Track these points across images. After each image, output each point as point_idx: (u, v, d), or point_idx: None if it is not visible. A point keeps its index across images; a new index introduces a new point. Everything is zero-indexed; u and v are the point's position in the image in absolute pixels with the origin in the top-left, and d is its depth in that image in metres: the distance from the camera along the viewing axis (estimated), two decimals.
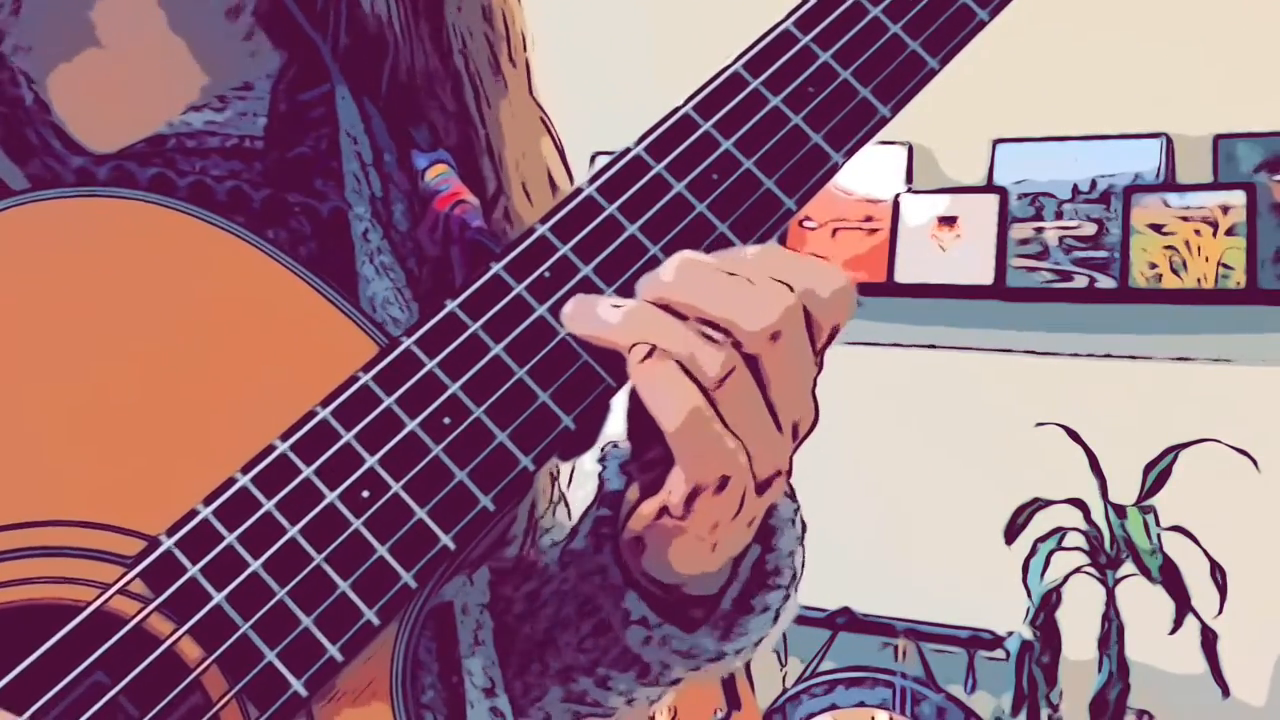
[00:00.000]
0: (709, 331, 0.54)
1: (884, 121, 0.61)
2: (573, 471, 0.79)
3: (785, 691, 2.35)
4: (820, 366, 0.57)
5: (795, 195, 0.59)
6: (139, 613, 0.51)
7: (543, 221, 0.58)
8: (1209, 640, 2.04)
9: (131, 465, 0.54)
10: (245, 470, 0.53)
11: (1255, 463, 2.05)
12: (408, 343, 0.55)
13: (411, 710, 0.54)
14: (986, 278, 2.46)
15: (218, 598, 0.52)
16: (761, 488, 0.57)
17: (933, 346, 2.53)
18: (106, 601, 0.51)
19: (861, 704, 2.29)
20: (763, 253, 0.56)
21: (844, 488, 2.52)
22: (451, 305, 0.56)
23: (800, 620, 2.43)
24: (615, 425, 0.62)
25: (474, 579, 0.69)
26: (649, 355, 0.53)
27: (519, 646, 0.72)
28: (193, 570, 0.52)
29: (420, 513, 0.53)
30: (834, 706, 2.31)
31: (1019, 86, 2.46)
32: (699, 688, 2.35)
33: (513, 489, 0.55)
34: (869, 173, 2.62)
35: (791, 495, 0.67)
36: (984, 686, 2.31)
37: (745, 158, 0.59)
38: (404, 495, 0.54)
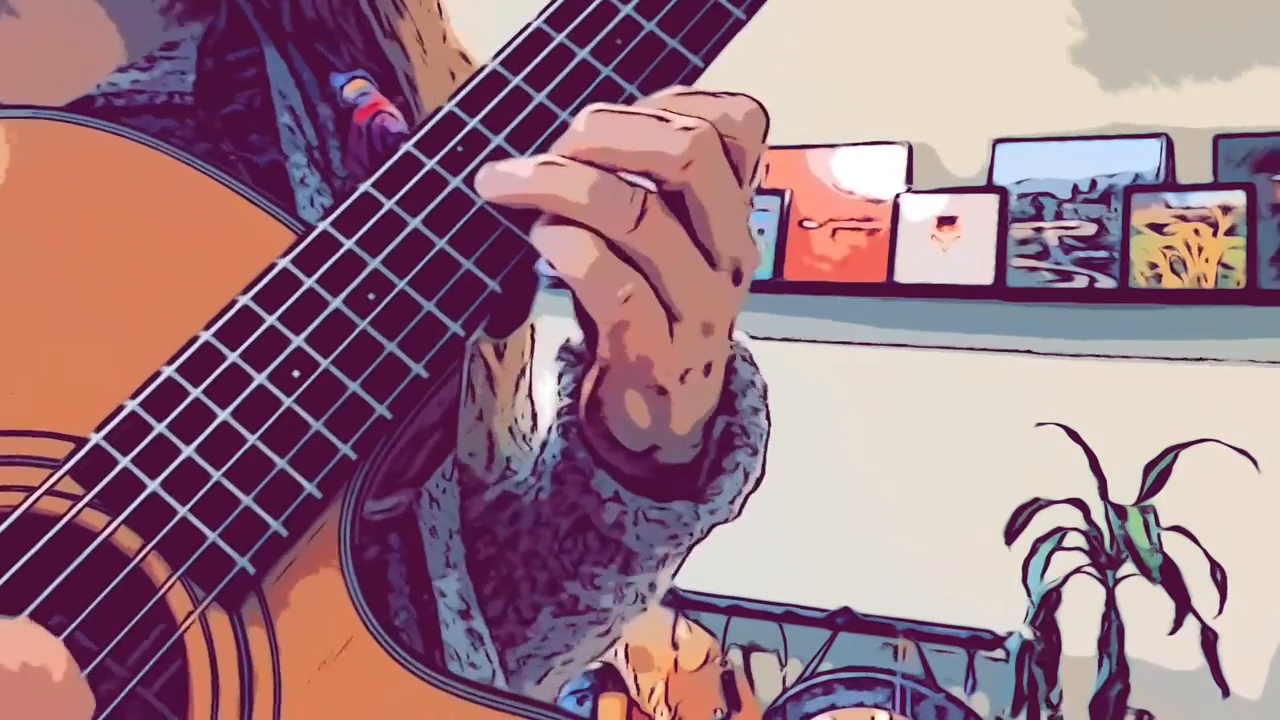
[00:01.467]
0: (626, 176, 0.54)
1: None
2: (532, 400, 0.80)
3: (785, 691, 2.35)
4: (751, 204, 0.57)
5: (700, 52, 0.59)
6: (70, 509, 0.50)
7: (450, 99, 0.58)
8: (1209, 640, 2.04)
9: (58, 371, 0.53)
10: (170, 362, 0.53)
11: (1255, 463, 2.05)
12: (323, 225, 0.55)
13: (361, 582, 0.53)
14: (986, 278, 2.46)
15: (152, 485, 0.51)
16: (707, 329, 0.57)
17: (933, 347, 2.53)
18: (35, 503, 0.50)
19: (861, 704, 2.29)
20: (669, 96, 0.57)
21: (844, 488, 2.52)
22: (365, 186, 0.56)
23: (800, 620, 2.44)
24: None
25: (440, 501, 0.69)
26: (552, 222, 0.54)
27: (507, 574, 0.72)
28: (124, 461, 0.51)
29: (353, 385, 0.53)
30: (834, 706, 2.31)
31: (1019, 86, 2.46)
32: (699, 688, 2.35)
33: (444, 355, 0.55)
34: (869, 173, 2.62)
35: (749, 360, 0.67)
36: (984, 686, 2.31)
37: (646, 20, 0.59)
38: (334, 370, 0.53)
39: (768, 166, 2.92)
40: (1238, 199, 2.29)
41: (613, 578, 0.69)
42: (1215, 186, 2.33)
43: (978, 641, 2.31)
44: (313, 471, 0.52)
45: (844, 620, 2.38)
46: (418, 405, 0.55)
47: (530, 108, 0.57)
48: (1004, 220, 2.46)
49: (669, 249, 0.54)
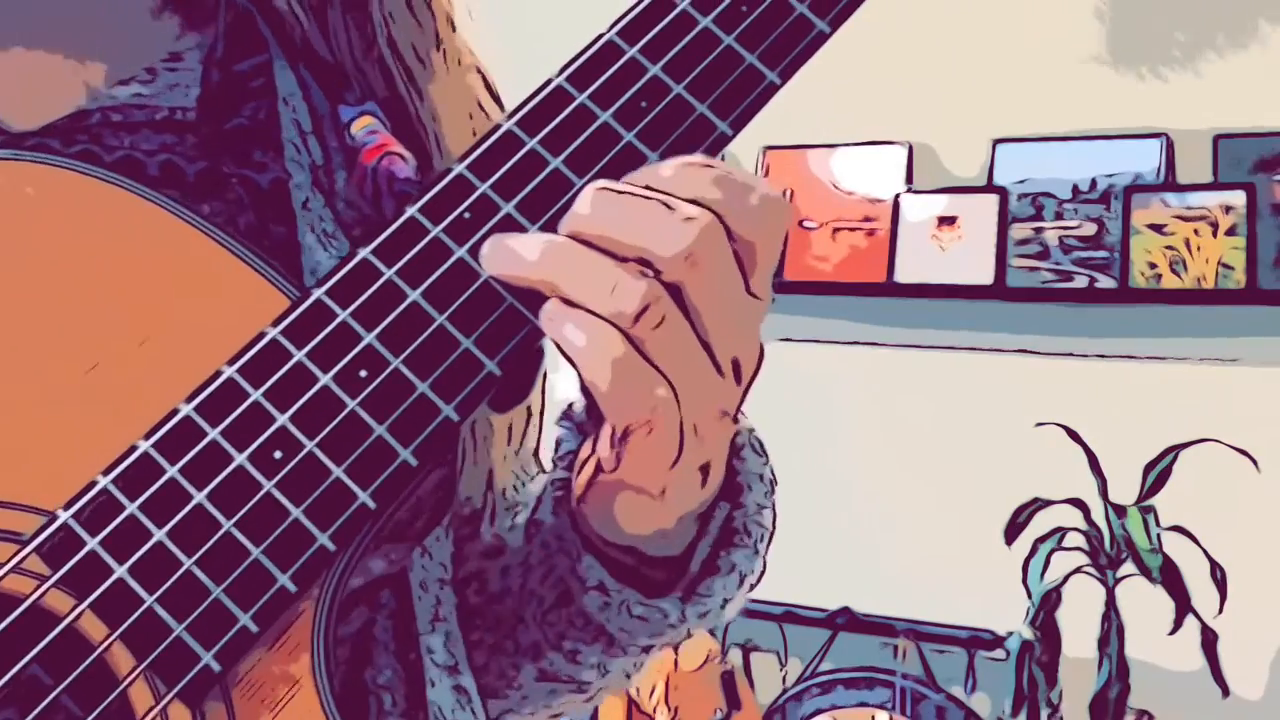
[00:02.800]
0: (632, 265, 0.50)
1: (823, 38, 0.57)
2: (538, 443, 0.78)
3: (785, 691, 2.35)
4: (765, 299, 0.53)
5: (729, 118, 0.55)
6: (35, 590, 0.48)
7: (460, 160, 0.54)
8: (1209, 640, 2.04)
9: (32, 437, 0.51)
10: (148, 436, 0.50)
11: (1255, 463, 2.05)
12: (318, 293, 0.52)
13: (334, 684, 0.51)
14: (986, 278, 2.46)
15: (119, 570, 0.49)
16: (703, 430, 0.53)
17: (933, 347, 2.53)
18: None
19: (861, 704, 2.29)
20: (681, 169, 0.52)
21: (844, 488, 2.52)
22: (364, 252, 0.53)
23: (800, 620, 2.43)
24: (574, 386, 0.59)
25: (432, 552, 0.67)
26: (561, 303, 0.50)
27: (492, 626, 0.70)
28: (92, 543, 0.49)
29: (337, 471, 0.50)
30: (834, 706, 2.31)
31: (1019, 86, 2.46)
32: (699, 688, 2.35)
33: (436, 441, 0.51)
34: (869, 173, 2.62)
35: (760, 450, 0.63)
36: (984, 686, 2.31)
37: (675, 82, 0.55)
38: (318, 453, 0.50)
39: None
40: (1238, 199, 2.29)
41: (595, 655, 0.66)
42: (1215, 186, 2.33)
43: (978, 641, 2.31)
44: (288, 562, 0.49)
45: (844, 620, 2.38)
46: (405, 493, 0.52)
47: (545, 174, 0.54)
48: (1004, 220, 2.46)
49: (676, 347, 0.51)
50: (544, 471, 0.79)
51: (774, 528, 0.64)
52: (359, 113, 0.65)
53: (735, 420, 0.56)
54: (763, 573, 0.64)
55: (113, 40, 0.65)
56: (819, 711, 2.31)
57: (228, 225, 0.60)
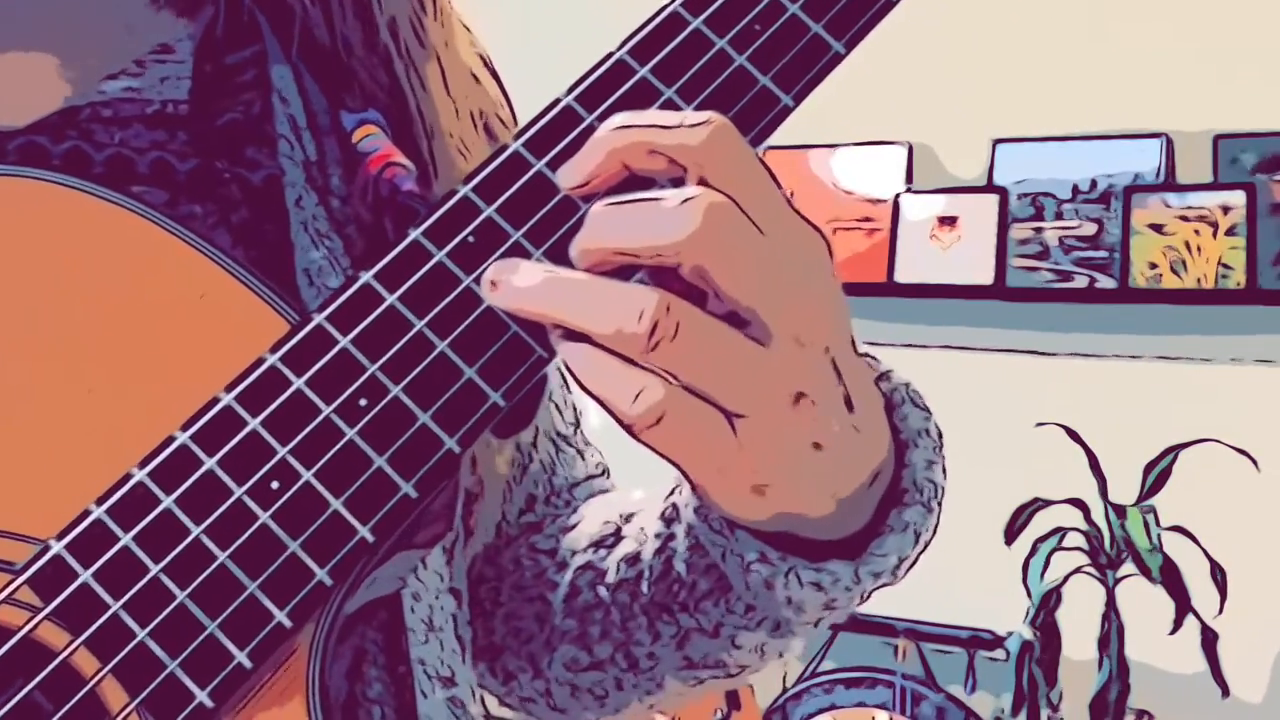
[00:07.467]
0: (636, 286, 0.49)
1: (838, 58, 0.56)
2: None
3: (785, 691, 2.35)
4: (777, 236, 0.51)
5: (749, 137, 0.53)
6: (26, 623, 0.47)
7: (466, 182, 0.53)
8: (1209, 640, 2.04)
9: (22, 463, 0.50)
10: (142, 465, 0.49)
11: (1255, 463, 2.05)
12: (319, 319, 0.51)
13: (331, 714, 0.50)
14: (986, 278, 2.46)
15: (114, 606, 0.48)
16: (767, 415, 0.50)
17: (933, 346, 2.53)
18: None
19: (861, 704, 2.29)
20: (641, 129, 0.50)
21: None
22: (366, 276, 0.52)
23: None
24: None
25: (426, 561, 0.65)
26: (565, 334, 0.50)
27: (603, 630, 0.68)
28: (84, 575, 0.48)
29: (335, 503, 0.49)
30: (834, 706, 2.31)
31: (1019, 86, 2.46)
32: None
33: (436, 473, 0.51)
34: (869, 173, 2.62)
35: (921, 404, 0.61)
36: (984, 686, 2.31)
37: (686, 104, 0.54)
38: (317, 485, 0.49)
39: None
40: (1238, 199, 2.29)
41: (759, 639, 0.63)
42: (1215, 186, 2.33)
43: (978, 641, 2.31)
44: (285, 597, 0.48)
45: (844, 620, 2.38)
46: (403, 525, 0.51)
47: (556, 200, 0.53)
48: (1004, 220, 2.47)
49: (699, 353, 0.48)
50: (585, 447, 0.78)
51: (945, 481, 0.60)
52: (360, 120, 0.64)
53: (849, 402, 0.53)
54: (936, 529, 0.61)
55: (101, 34, 0.64)
56: (819, 711, 2.31)
57: (220, 226, 0.60)
